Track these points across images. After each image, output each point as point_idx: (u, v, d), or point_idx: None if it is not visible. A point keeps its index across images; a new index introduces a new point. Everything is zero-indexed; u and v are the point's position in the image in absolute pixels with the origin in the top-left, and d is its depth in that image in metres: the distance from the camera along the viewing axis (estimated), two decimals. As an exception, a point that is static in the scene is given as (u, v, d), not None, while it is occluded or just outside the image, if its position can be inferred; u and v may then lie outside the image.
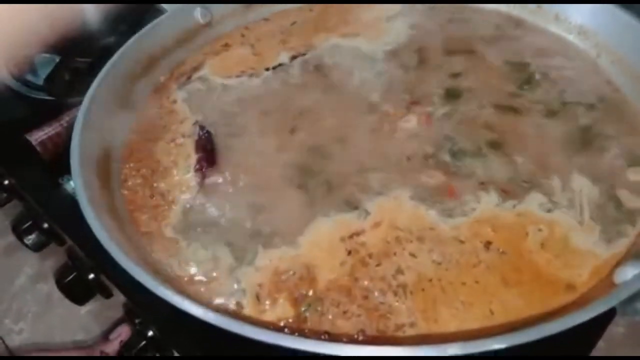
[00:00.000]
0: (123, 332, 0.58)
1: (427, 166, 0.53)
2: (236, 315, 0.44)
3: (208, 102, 0.61)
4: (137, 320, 0.55)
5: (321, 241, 0.48)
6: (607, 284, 0.44)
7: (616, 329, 0.56)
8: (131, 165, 0.56)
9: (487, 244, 0.47)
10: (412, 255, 0.47)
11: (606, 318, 0.48)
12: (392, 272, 0.46)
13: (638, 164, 0.53)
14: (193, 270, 0.48)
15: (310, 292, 0.45)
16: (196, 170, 0.55)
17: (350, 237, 0.48)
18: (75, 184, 0.48)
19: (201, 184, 0.54)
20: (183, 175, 0.54)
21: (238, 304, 0.45)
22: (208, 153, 0.56)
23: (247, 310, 0.45)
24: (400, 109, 0.59)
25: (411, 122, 0.57)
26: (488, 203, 0.50)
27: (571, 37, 0.67)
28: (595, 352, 0.49)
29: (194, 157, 0.56)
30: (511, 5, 0.71)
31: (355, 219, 0.49)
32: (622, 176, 0.52)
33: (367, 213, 0.50)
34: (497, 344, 0.36)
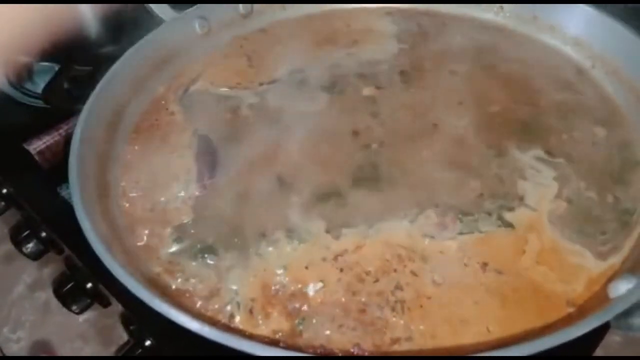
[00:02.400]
0: None
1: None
2: (229, 328, 0.44)
3: (207, 112, 0.61)
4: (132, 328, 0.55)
5: (302, 261, 0.48)
6: (602, 297, 0.44)
7: (613, 337, 0.56)
8: (130, 176, 0.55)
9: (484, 265, 0.47)
10: (414, 273, 0.47)
11: (601, 331, 0.49)
12: (390, 287, 0.46)
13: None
14: (190, 283, 0.48)
15: (305, 307, 0.45)
16: (196, 182, 0.54)
17: (335, 258, 0.48)
18: (72, 196, 0.47)
19: (201, 195, 0.54)
20: (183, 187, 0.54)
21: (232, 316, 0.45)
22: (208, 163, 0.56)
23: (241, 324, 0.45)
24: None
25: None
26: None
27: (567, 49, 0.67)
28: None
29: (193, 168, 0.56)
30: (507, 15, 0.71)
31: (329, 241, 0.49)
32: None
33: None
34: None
